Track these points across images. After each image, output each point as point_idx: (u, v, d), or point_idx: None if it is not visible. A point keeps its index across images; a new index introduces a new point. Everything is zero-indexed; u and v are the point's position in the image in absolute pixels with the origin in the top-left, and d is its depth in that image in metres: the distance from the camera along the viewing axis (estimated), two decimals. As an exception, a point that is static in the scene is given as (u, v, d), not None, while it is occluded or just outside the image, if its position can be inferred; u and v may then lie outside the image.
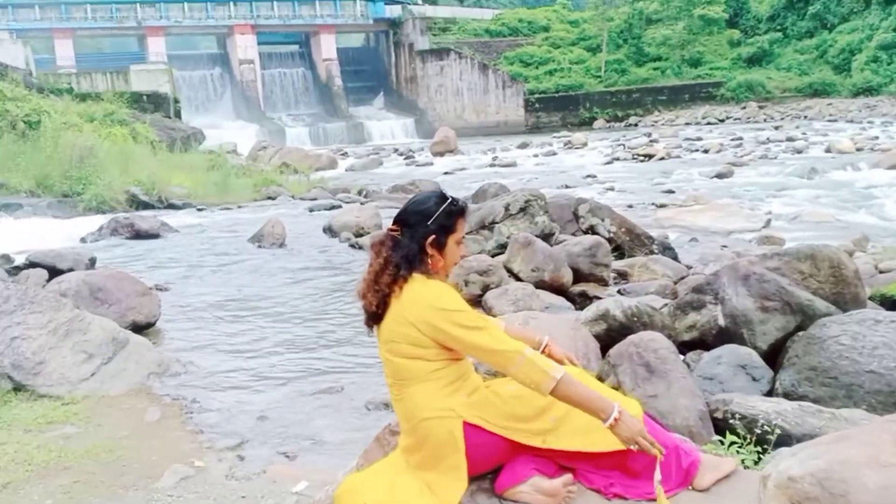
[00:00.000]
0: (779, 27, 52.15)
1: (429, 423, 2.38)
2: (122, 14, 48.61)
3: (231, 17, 50.38)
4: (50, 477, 3.56)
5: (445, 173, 25.01)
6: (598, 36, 52.15)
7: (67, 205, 13.97)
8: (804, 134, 30.13)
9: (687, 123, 43.62)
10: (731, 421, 3.54)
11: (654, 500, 2.33)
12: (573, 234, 8.59)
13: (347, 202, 15.02)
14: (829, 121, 37.70)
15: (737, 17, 53.52)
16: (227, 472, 3.64)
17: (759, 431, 3.35)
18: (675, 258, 8.66)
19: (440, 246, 2.46)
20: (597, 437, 2.36)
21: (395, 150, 35.87)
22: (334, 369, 5.27)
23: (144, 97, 30.76)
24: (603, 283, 7.35)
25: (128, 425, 4.21)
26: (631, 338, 4.23)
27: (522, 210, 8.29)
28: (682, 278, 7.45)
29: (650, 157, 25.98)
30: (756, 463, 3.03)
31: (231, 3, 50.68)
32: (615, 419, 2.24)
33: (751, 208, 14.30)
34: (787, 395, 4.02)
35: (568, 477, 2.41)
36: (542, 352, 2.56)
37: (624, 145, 30.00)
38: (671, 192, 17.25)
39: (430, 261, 2.46)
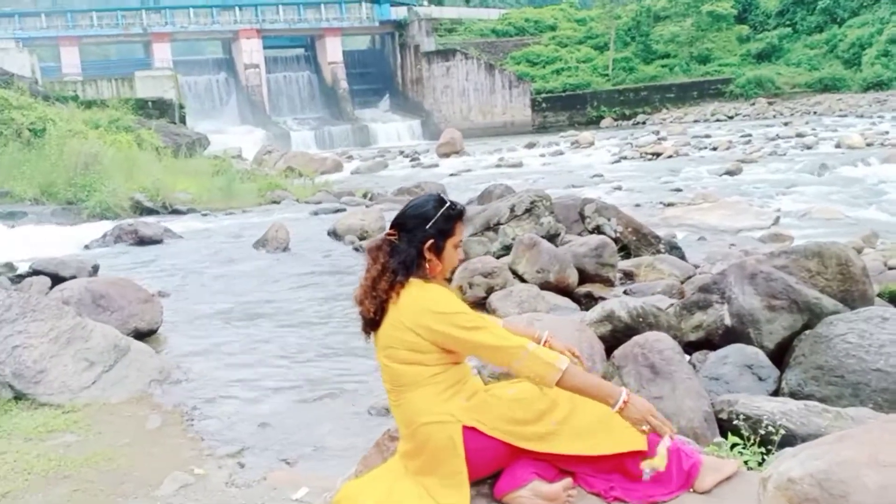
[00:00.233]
0: (788, 22, 51.89)
1: (428, 428, 2.37)
2: (128, 21, 48.90)
3: (236, 22, 50.56)
4: (50, 486, 3.54)
5: (451, 175, 24.99)
6: (605, 34, 52.00)
7: (72, 212, 14.04)
8: (814, 130, 29.96)
9: (695, 121, 43.48)
10: (735, 422, 3.50)
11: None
12: (579, 235, 8.54)
13: (352, 205, 15.03)
14: (839, 116, 37.48)
15: (745, 13, 53.31)
16: (227, 479, 3.62)
17: (763, 432, 3.30)
18: (683, 257, 8.60)
19: (438, 250, 2.45)
20: (597, 440, 2.34)
21: (401, 153, 35.94)
22: (337, 375, 5.23)
23: (150, 103, 30.84)
24: (609, 283, 7.30)
25: (128, 433, 4.18)
26: (636, 339, 4.20)
27: (528, 211, 8.24)
28: (690, 277, 7.39)
29: (658, 155, 25.88)
30: (760, 464, 2.98)
31: (236, 8, 50.90)
32: (624, 402, 2.26)
33: (760, 206, 14.21)
34: (794, 395, 3.98)
35: (568, 481, 2.39)
36: (543, 346, 2.53)
37: (632, 144, 29.92)
38: (679, 190, 17.19)
39: (428, 265, 2.44)
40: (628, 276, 7.65)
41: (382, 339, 2.43)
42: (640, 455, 2.33)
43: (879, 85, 43.84)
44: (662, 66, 50.74)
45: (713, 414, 3.68)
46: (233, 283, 8.37)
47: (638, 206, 14.50)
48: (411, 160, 32.03)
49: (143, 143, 21.00)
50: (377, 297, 2.40)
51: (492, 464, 2.40)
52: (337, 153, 36.37)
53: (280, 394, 4.86)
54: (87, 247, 11.06)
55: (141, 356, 5.07)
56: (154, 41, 48.72)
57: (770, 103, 44.98)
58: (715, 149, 26.56)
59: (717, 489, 2.39)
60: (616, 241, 8.19)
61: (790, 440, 3.23)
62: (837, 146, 23.85)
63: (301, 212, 14.71)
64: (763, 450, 3.17)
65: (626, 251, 8.39)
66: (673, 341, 4.18)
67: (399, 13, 53.95)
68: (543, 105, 49.66)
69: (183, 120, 32.91)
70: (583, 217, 9.00)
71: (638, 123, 46.08)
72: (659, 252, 8.47)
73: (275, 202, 16.68)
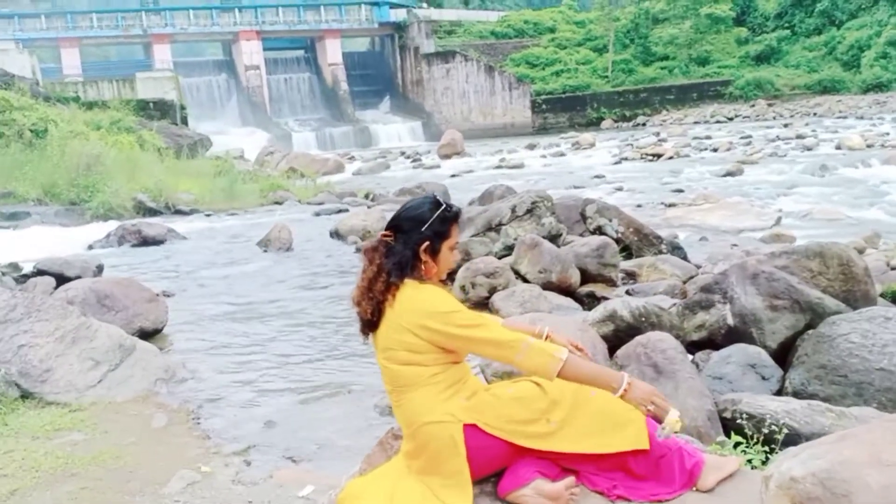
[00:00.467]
0: (787, 24, 51.97)
1: (429, 428, 2.37)
2: (128, 22, 48.96)
3: (236, 24, 50.62)
4: (57, 483, 3.55)
5: (453, 175, 25.01)
6: (604, 36, 52.08)
7: (75, 213, 14.05)
8: (814, 131, 29.98)
9: (695, 122, 43.50)
10: (739, 421, 3.50)
11: (658, 502, 2.32)
12: (581, 235, 8.55)
13: (354, 206, 15.04)
14: (839, 118, 37.49)
15: (744, 15, 53.40)
16: (233, 476, 3.63)
17: (767, 431, 3.31)
18: (685, 257, 8.60)
19: (434, 252, 2.45)
20: (600, 439, 2.34)
21: (402, 154, 35.96)
22: (341, 374, 5.25)
23: (151, 104, 30.90)
24: (611, 283, 7.31)
25: (134, 431, 4.20)
26: (638, 338, 4.21)
27: (529, 211, 8.26)
28: (692, 278, 7.39)
29: (659, 156, 25.88)
30: (764, 463, 3.00)
31: (236, 10, 50.98)
32: (628, 384, 2.30)
33: (761, 206, 14.21)
34: (797, 394, 3.98)
35: (571, 479, 2.38)
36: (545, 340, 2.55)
37: (632, 145, 29.93)
38: (680, 191, 17.18)
39: (423, 267, 2.45)
40: (630, 276, 7.66)
41: (381, 340, 2.44)
42: (643, 454, 2.33)
43: (879, 86, 43.92)
44: (662, 68, 50.81)
45: (717, 413, 3.68)
46: (237, 282, 8.39)
47: (639, 206, 14.52)
48: (413, 161, 32.05)
49: (145, 144, 21.03)
50: (374, 298, 2.41)
51: (494, 462, 2.40)
52: (338, 154, 36.38)
53: (285, 392, 4.88)
54: (90, 247, 11.08)
55: (146, 355, 5.09)
56: (154, 42, 48.80)
57: (770, 105, 45.05)
58: (715, 150, 26.57)
59: (719, 488, 2.39)
60: (618, 241, 8.19)
61: (794, 439, 3.23)
62: (838, 147, 23.86)
63: (303, 212, 14.74)
64: (767, 449, 3.17)
65: (627, 251, 8.39)
66: (675, 341, 4.19)
67: (398, 15, 54.01)
68: (543, 106, 49.71)
69: (185, 121, 32.97)
70: (584, 217, 9.00)
71: (638, 125, 46.12)
72: (661, 252, 8.48)
73: (277, 203, 16.70)
